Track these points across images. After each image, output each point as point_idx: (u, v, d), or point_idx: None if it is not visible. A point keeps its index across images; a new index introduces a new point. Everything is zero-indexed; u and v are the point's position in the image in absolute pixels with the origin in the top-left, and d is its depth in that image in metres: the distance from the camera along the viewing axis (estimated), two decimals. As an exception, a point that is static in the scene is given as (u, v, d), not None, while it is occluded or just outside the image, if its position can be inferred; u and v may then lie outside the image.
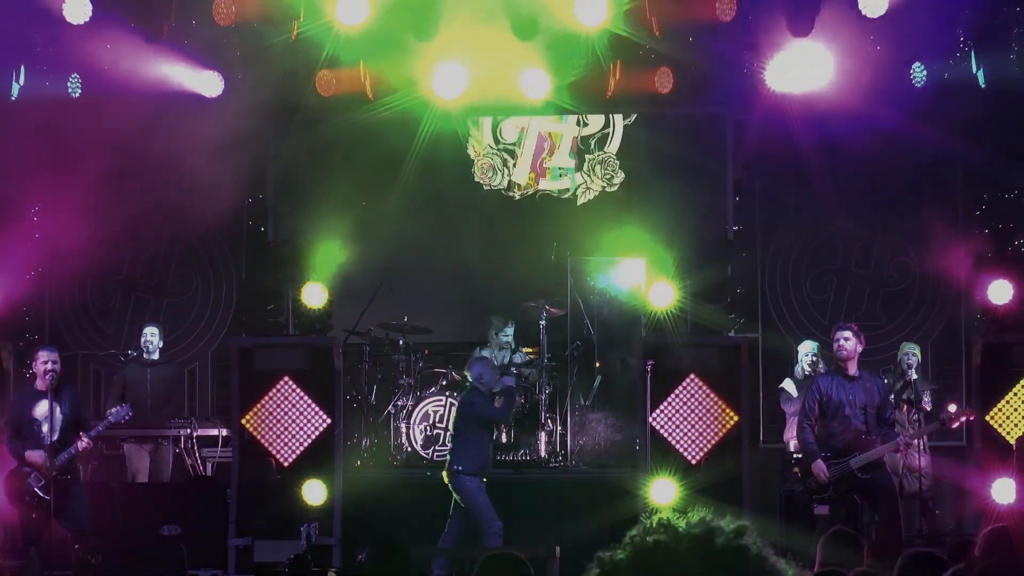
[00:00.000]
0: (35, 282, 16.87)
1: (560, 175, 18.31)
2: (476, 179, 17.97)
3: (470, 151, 17.95)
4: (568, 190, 18.10)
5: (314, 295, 14.52)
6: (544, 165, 18.35)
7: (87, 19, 14.91)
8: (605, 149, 18.04)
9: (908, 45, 15.96)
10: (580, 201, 17.99)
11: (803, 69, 15.51)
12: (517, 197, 18.20)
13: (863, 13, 14.87)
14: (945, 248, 16.63)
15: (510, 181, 18.20)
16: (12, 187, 16.33)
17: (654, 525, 3.59)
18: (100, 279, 17.18)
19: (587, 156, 18.10)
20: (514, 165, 18.29)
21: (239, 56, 16.19)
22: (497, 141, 18.17)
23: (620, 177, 17.82)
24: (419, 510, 14.49)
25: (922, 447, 14.38)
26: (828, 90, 15.75)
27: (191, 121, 16.19)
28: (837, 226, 16.79)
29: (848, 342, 12.79)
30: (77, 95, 16.02)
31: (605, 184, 17.93)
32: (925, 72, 15.94)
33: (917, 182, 16.89)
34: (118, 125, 16.06)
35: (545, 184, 18.27)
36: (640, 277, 16.14)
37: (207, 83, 16.12)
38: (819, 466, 12.56)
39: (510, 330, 16.41)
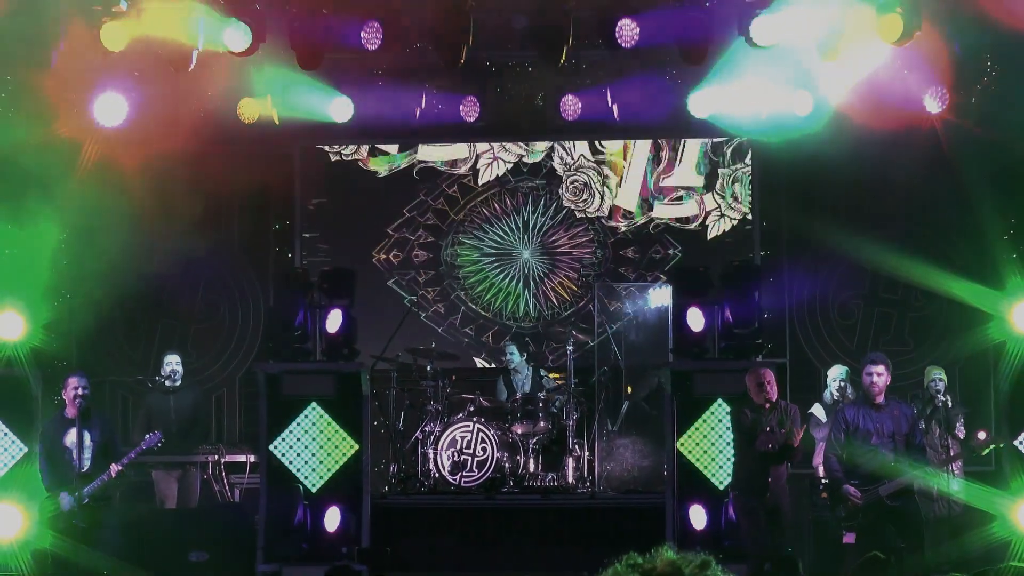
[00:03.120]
0: (63, 309, 16.92)
1: (683, 198, 17.62)
2: (564, 202, 17.75)
3: (556, 164, 17.85)
4: (693, 219, 17.66)
5: (332, 321, 14.53)
6: (660, 184, 17.76)
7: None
8: (745, 161, 17.57)
9: (933, 70, 15.95)
10: (711, 234, 17.49)
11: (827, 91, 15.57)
12: (623, 228, 17.71)
13: (881, 40, 14.87)
14: (972, 272, 16.59)
15: (612, 206, 17.72)
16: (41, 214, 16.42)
17: (623, 567, 3.60)
18: (128, 306, 17.23)
19: (720, 171, 17.65)
20: (617, 184, 17.76)
21: None
22: (594, 150, 17.84)
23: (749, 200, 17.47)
24: (447, 537, 14.48)
25: (953, 472, 14.31)
26: (855, 113, 15.76)
27: (219, 147, 16.32)
28: (864, 250, 16.75)
29: (880, 378, 12.70)
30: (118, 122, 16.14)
31: (743, 210, 17.46)
32: (948, 98, 15.93)
33: (944, 206, 16.84)
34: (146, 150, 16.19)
35: (662, 210, 17.57)
36: (667, 302, 16.11)
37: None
38: (848, 489, 12.50)
39: (512, 349, 16.40)
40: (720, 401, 13.98)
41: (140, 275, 17.13)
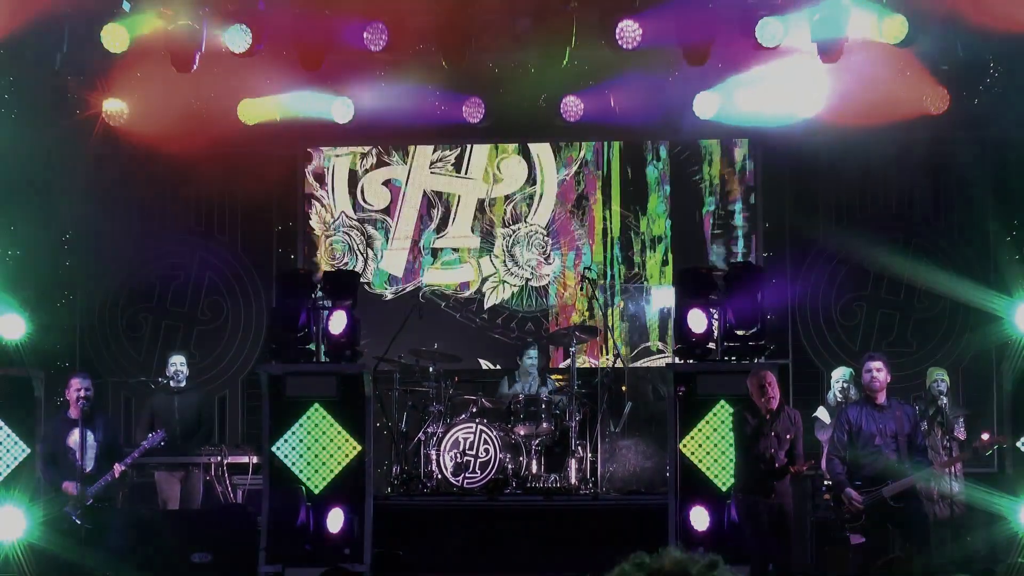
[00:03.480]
0: (66, 309, 16.95)
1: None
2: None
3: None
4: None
5: (336, 322, 14.51)
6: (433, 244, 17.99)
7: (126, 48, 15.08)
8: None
9: (936, 69, 15.97)
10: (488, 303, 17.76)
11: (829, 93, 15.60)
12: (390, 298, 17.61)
13: (885, 40, 14.89)
14: (975, 273, 16.60)
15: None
16: (45, 215, 16.46)
17: (629, 567, 3.60)
18: (130, 307, 17.25)
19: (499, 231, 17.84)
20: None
21: None
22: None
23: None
24: (449, 538, 14.47)
25: (954, 473, 14.31)
26: (857, 115, 15.78)
27: (221, 147, 16.38)
28: (867, 252, 16.77)
29: (880, 373, 12.70)
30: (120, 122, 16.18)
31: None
32: (949, 98, 15.97)
33: (947, 207, 16.86)
34: (150, 152, 16.26)
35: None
36: (671, 303, 16.12)
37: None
38: (849, 493, 12.49)
39: (533, 352, 16.44)
40: (723, 402, 13.97)
41: (143, 276, 17.17)
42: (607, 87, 16.52)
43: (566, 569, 13.71)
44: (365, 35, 15.24)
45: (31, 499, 14.20)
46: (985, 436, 13.61)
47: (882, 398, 12.79)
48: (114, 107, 16.16)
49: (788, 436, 12.50)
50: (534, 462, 15.41)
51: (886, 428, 12.64)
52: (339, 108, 16.54)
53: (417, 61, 16.14)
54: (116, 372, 17.07)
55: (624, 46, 15.17)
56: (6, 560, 13.72)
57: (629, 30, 15.07)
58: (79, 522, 12.92)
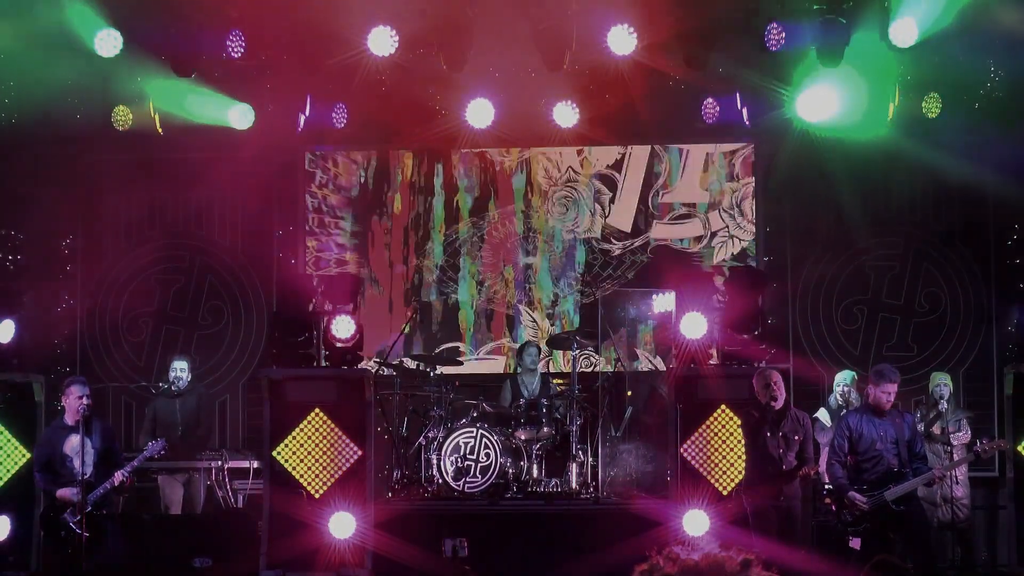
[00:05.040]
0: (67, 314, 16.94)
1: (685, 215, 17.60)
2: (549, 220, 17.76)
3: (541, 179, 17.83)
4: (700, 239, 17.53)
5: (343, 327, 14.50)
6: (660, 200, 17.62)
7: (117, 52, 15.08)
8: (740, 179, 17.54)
9: (939, 74, 15.97)
10: (716, 258, 17.25)
11: (831, 100, 15.58)
12: (618, 252, 17.62)
13: (893, 43, 14.88)
14: (976, 278, 16.60)
15: (604, 226, 17.67)
16: (46, 221, 16.47)
17: (663, 561, 3.59)
18: (131, 311, 17.24)
19: (726, 186, 17.53)
20: (611, 200, 17.77)
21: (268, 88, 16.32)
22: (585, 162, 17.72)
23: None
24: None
25: (956, 478, 14.31)
26: (858, 120, 15.79)
27: (222, 153, 16.38)
28: (867, 256, 16.77)
29: (894, 395, 12.72)
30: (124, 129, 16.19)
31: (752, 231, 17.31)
32: (940, 104, 15.98)
33: (947, 212, 16.86)
34: (151, 156, 16.26)
35: (664, 231, 17.63)
36: (671, 308, 16.11)
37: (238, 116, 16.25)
38: (854, 496, 12.49)
39: (534, 351, 16.43)
40: (724, 407, 13.98)
41: (144, 280, 17.16)
42: (608, 91, 16.49)
43: (567, 573, 13.71)
44: (370, 39, 15.20)
45: (32, 504, 14.22)
46: (986, 442, 13.60)
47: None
48: (118, 112, 16.16)
49: (797, 438, 12.52)
50: (535, 466, 15.40)
51: (887, 434, 12.65)
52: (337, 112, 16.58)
53: (417, 64, 16.12)
54: (117, 377, 17.05)
55: (621, 53, 15.15)
56: (8, 565, 13.72)
57: (626, 34, 15.05)
58: (78, 530, 12.90)
